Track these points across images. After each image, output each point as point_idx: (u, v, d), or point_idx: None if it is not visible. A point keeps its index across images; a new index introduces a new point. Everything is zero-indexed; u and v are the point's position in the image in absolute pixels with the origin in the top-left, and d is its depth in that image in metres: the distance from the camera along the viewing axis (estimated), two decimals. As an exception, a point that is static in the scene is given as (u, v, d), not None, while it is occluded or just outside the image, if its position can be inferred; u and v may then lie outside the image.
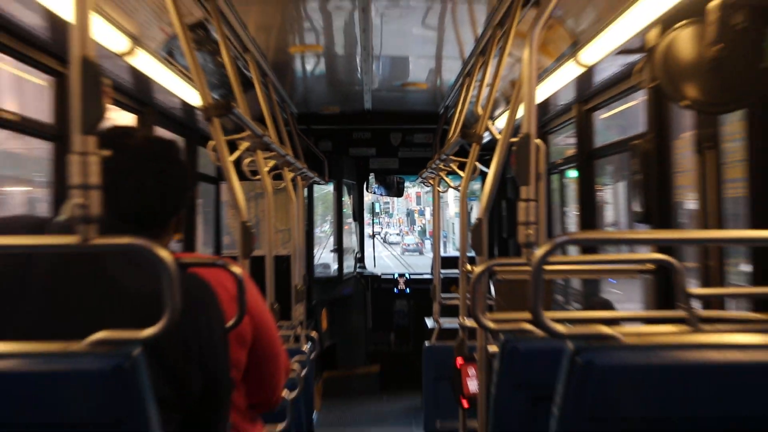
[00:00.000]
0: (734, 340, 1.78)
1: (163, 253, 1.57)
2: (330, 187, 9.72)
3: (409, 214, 41.08)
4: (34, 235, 1.95)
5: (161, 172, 2.07)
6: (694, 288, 2.65)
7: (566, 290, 7.44)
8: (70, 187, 1.57)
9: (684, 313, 2.35)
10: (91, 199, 1.54)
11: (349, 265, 9.81)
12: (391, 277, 10.08)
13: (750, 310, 3.52)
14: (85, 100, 1.53)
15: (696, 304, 2.36)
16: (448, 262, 8.54)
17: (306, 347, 5.35)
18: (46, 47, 4.06)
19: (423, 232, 37.01)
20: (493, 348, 3.17)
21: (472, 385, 4.13)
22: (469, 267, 4.62)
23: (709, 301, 3.59)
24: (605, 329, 1.70)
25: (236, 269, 2.28)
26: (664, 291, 4.39)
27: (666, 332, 2.35)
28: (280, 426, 3.47)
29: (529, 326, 2.61)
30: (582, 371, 1.65)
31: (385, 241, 34.65)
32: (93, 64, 1.55)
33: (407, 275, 10.06)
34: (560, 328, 1.68)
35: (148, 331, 1.57)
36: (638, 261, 3.68)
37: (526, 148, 2.40)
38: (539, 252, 1.67)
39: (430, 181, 6.81)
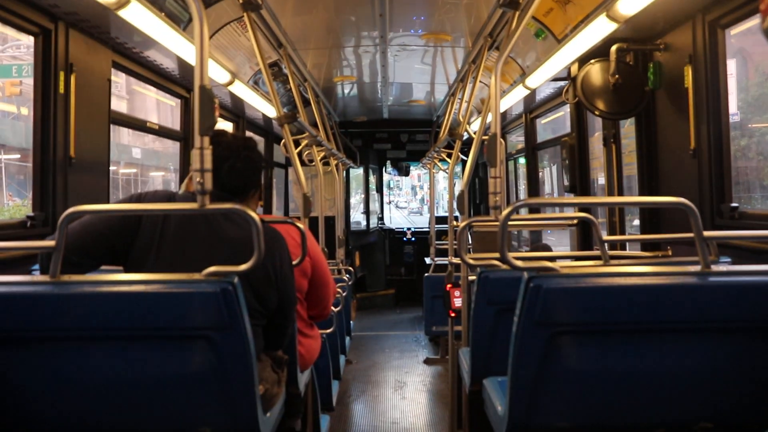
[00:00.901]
0: (632, 270, 1.76)
1: (252, 214, 1.56)
2: (360, 170, 9.66)
3: (413, 188, 40.88)
4: (169, 203, 1.96)
5: (245, 158, 2.05)
6: (605, 236, 2.62)
7: (519, 239, 7.41)
8: (192, 171, 1.56)
9: (599, 252, 2.33)
10: (206, 178, 1.54)
11: (373, 222, 9.77)
12: (402, 230, 10.05)
13: (640, 250, 3.51)
14: (202, 113, 1.52)
15: (606, 247, 2.34)
16: (439, 220, 8.51)
17: (346, 277, 5.36)
18: (177, 80, 4.08)
19: (422, 200, 36.81)
20: (471, 277, 3.16)
21: (457, 302, 4.13)
22: (455, 223, 4.59)
23: (614, 245, 3.56)
24: (548, 264, 1.68)
25: (300, 225, 2.27)
26: (584, 238, 4.37)
27: (587, 265, 2.33)
28: (329, 330, 3.47)
29: (496, 262, 2.60)
30: (532, 292, 1.64)
31: (396, 206, 34.54)
32: (207, 90, 1.54)
33: (412, 228, 10.02)
34: (519, 263, 1.67)
35: (243, 267, 1.58)
36: (568, 218, 3.65)
37: (493, 143, 2.36)
38: (505, 212, 1.65)
39: (427, 166, 6.75)
